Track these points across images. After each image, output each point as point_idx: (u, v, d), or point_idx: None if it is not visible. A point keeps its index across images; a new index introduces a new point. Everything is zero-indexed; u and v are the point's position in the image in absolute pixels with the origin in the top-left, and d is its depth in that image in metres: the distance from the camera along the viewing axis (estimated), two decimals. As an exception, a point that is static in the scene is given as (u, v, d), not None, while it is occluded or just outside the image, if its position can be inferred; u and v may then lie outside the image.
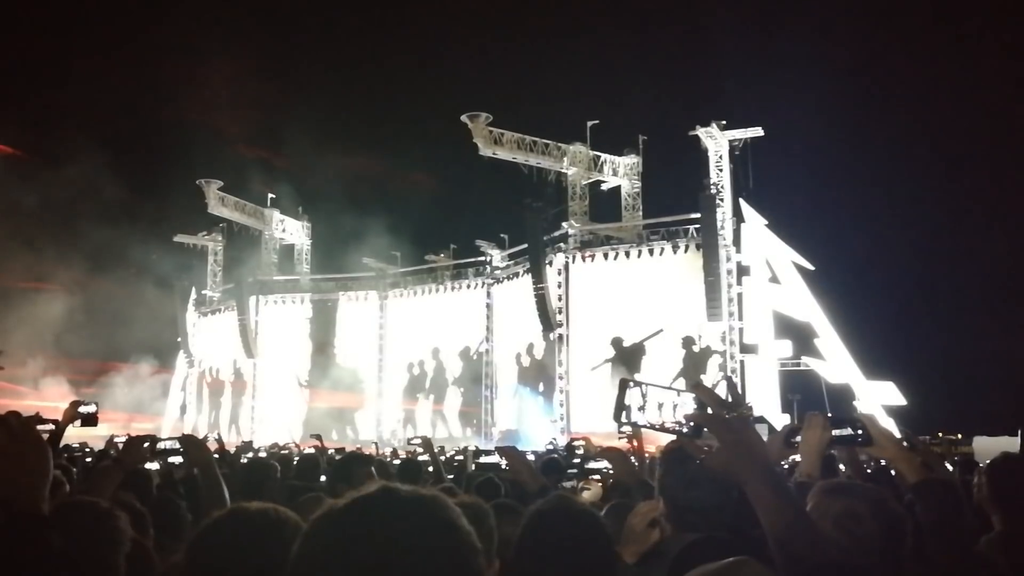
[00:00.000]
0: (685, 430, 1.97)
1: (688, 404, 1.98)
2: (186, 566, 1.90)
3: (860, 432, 3.11)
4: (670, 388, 2.02)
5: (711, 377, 27.25)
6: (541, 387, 32.06)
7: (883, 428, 3.26)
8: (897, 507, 2.67)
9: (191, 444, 3.91)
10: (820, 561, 1.84)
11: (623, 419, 2.01)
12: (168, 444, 4.14)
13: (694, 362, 27.85)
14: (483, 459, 6.22)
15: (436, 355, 35.67)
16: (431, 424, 34.41)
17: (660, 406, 2.01)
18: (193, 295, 40.81)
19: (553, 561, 2.31)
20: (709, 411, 1.92)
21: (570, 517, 2.35)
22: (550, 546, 2.30)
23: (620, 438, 7.61)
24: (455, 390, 34.93)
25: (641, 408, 2.02)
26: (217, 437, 11.96)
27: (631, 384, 2.02)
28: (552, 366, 31.47)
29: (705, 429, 1.94)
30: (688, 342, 28.08)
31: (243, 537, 1.86)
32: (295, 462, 9.30)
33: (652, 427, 2.02)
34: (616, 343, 29.71)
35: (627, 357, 29.39)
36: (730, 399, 1.98)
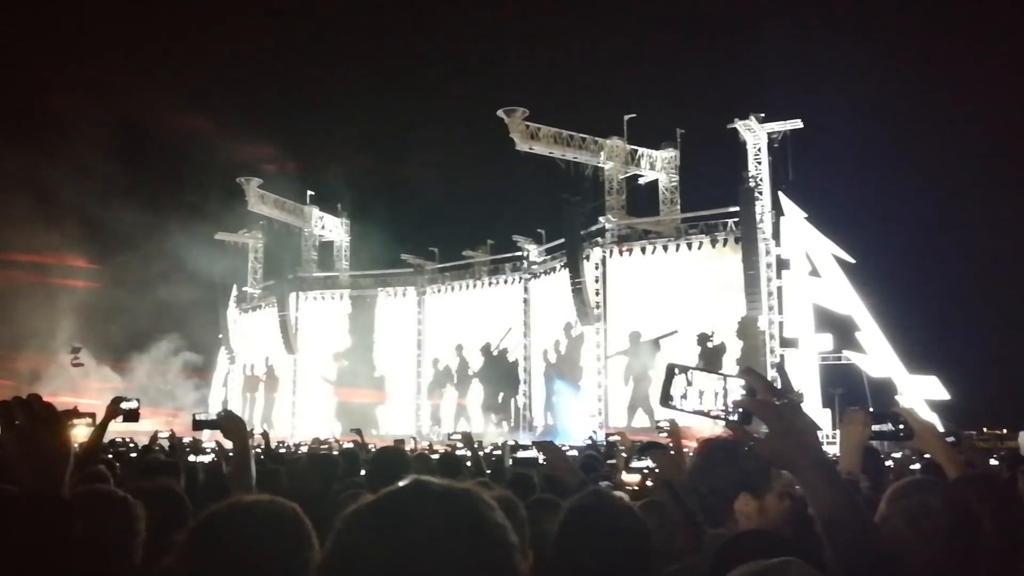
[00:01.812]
0: (733, 417, 1.91)
1: (735, 390, 1.93)
2: (181, 557, 1.90)
3: (901, 427, 3.06)
4: (717, 373, 1.96)
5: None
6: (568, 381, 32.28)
7: (925, 422, 3.21)
8: (975, 504, 2.62)
9: (229, 420, 3.94)
10: (873, 553, 1.79)
11: (670, 405, 1.96)
12: (205, 417, 4.19)
13: (708, 359, 27.76)
14: (521, 454, 6.20)
15: (462, 351, 36.01)
16: (468, 419, 34.56)
17: (701, 394, 1.96)
18: (234, 292, 41.23)
19: (590, 556, 2.30)
20: (758, 397, 1.87)
21: (609, 513, 2.32)
22: (588, 541, 2.29)
23: (659, 433, 7.56)
24: (492, 385, 35.14)
25: (684, 396, 1.97)
26: (263, 432, 12.10)
27: (677, 370, 1.96)
28: (574, 361, 31.66)
29: (754, 416, 1.89)
30: (703, 339, 27.92)
31: (240, 529, 1.86)
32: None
33: (699, 413, 1.96)
34: (633, 337, 29.82)
35: (641, 352, 29.55)
36: (779, 386, 1.90)
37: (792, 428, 1.82)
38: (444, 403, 36.26)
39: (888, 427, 3.08)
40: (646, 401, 29.03)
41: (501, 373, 34.64)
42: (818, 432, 1.88)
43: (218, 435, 4.35)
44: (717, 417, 1.91)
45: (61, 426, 2.10)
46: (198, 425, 4.31)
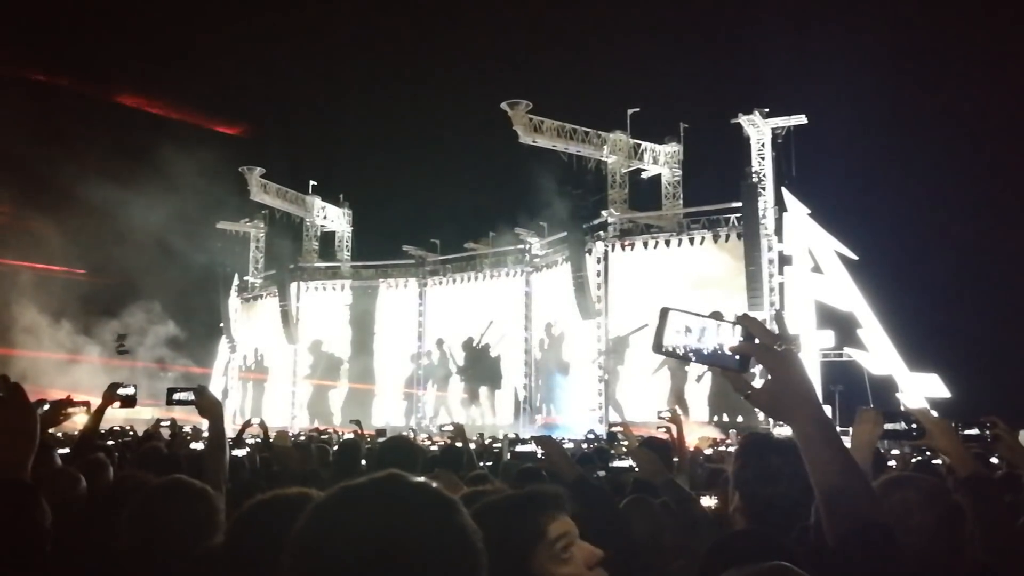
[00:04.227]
0: (729, 362, 1.80)
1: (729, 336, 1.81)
2: (225, 548, 1.91)
3: (913, 426, 3.06)
4: (713, 319, 1.88)
5: (694, 369, 27.56)
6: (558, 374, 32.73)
7: (937, 420, 3.19)
8: (955, 499, 2.61)
9: (203, 395, 3.94)
10: (868, 519, 1.69)
11: (664, 351, 1.84)
12: (183, 395, 4.17)
13: None
14: (519, 448, 6.20)
15: (442, 345, 36.55)
16: (450, 412, 34.83)
17: (702, 335, 1.86)
18: (235, 281, 41.21)
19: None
20: (757, 342, 1.77)
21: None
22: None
23: (659, 428, 7.56)
24: (473, 379, 35.46)
25: (679, 342, 1.87)
26: (261, 422, 12.15)
27: (671, 313, 1.84)
28: (558, 358, 32.18)
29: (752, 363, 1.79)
30: None
31: (283, 521, 1.87)
32: (335, 448, 9.38)
33: (695, 360, 1.85)
34: (598, 336, 30.29)
35: (613, 348, 29.93)
36: (778, 334, 1.74)
37: (793, 374, 1.75)
38: (426, 396, 36.83)
39: (900, 426, 3.07)
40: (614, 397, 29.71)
41: (483, 367, 34.96)
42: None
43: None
44: (714, 363, 1.82)
45: (28, 409, 2.07)
46: (172, 400, 4.26)
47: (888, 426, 3.04)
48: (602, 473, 5.80)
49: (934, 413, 3.26)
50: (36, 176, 33.72)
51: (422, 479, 1.35)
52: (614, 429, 11.05)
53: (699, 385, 28.22)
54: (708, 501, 4.13)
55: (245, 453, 7.22)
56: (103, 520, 2.83)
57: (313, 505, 1.32)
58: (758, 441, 2.87)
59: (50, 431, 4.71)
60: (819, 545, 1.81)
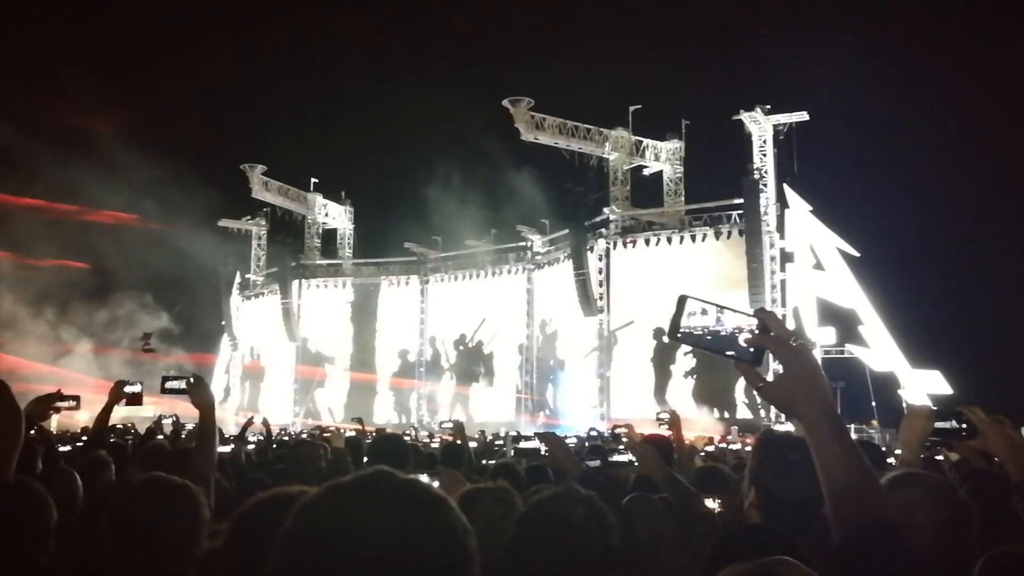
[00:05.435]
0: (743, 354, 1.77)
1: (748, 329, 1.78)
2: (227, 548, 1.90)
3: (964, 425, 3.03)
4: (730, 309, 1.87)
5: (680, 367, 27.93)
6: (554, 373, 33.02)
7: (989, 420, 3.16)
8: (961, 497, 2.59)
9: (197, 385, 3.91)
10: (875, 517, 1.67)
11: (678, 338, 1.80)
12: (176, 384, 4.14)
13: (662, 353, 28.03)
14: (523, 444, 6.21)
15: (435, 343, 36.99)
16: (464, 407, 34.86)
17: (716, 325, 1.85)
18: (237, 279, 41.19)
19: (541, 561, 2.24)
20: (773, 335, 1.75)
21: (564, 515, 2.23)
22: (540, 545, 2.23)
23: (660, 424, 7.56)
24: (466, 376, 35.64)
25: (691, 329, 1.85)
26: (264, 420, 12.17)
27: (688, 301, 1.81)
28: (551, 355, 32.52)
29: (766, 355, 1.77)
30: (658, 333, 28.10)
31: (284, 520, 1.87)
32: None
33: (710, 350, 1.83)
34: (599, 333, 30.48)
35: (605, 345, 30.18)
36: (794, 329, 1.70)
37: (806, 370, 1.74)
38: (427, 392, 37.05)
39: (952, 424, 3.05)
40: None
41: (476, 364, 35.24)
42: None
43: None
44: (728, 355, 1.79)
45: (12, 409, 2.04)
46: (165, 388, 4.23)
47: (939, 424, 3.02)
48: (597, 463, 5.80)
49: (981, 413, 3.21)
50: (35, 172, 33.70)
51: (411, 476, 1.33)
52: (619, 430, 11.03)
53: (683, 383, 28.38)
54: (712, 504, 4.13)
55: (231, 449, 7.19)
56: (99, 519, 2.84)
57: (300, 504, 1.30)
58: (777, 438, 2.86)
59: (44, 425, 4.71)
60: (827, 542, 1.80)
